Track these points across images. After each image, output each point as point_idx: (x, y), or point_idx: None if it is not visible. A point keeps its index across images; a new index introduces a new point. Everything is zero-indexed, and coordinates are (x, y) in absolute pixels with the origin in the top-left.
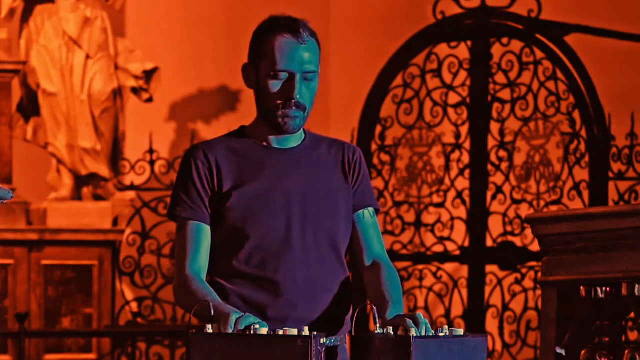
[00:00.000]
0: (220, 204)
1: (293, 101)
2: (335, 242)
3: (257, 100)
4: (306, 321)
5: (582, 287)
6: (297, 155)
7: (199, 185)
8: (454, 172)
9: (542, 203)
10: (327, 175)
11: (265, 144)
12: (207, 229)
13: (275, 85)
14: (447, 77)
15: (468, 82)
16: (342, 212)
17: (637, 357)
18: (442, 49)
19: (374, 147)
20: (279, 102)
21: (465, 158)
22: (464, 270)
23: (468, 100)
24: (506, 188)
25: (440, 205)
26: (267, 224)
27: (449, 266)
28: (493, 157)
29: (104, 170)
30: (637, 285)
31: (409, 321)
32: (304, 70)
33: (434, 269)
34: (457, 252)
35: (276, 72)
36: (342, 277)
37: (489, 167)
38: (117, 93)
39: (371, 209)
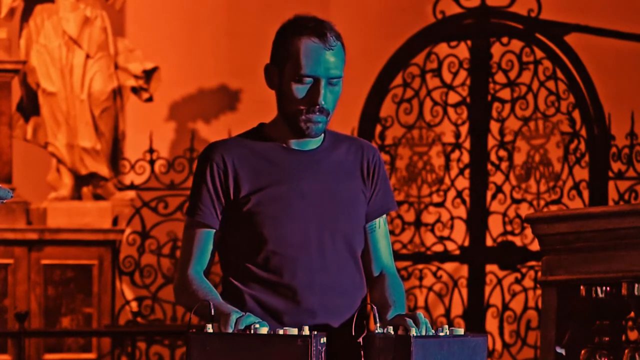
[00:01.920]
0: (238, 207)
1: (317, 107)
2: (353, 246)
3: (279, 102)
4: (323, 328)
5: (582, 287)
6: (316, 158)
7: (212, 188)
8: (453, 171)
9: (542, 202)
10: (345, 178)
11: (284, 145)
12: (213, 234)
13: (299, 90)
14: (447, 77)
15: (468, 82)
16: (360, 215)
17: (637, 356)
18: (442, 49)
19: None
20: (302, 107)
21: (465, 158)
22: (464, 270)
23: (468, 99)
24: (506, 188)
25: (440, 204)
26: (285, 228)
27: (449, 266)
28: (493, 157)
29: (103, 170)
30: (637, 285)
31: (409, 321)
32: (329, 75)
33: (433, 268)
34: (457, 252)
35: (301, 77)
36: (358, 281)
37: (489, 166)
38: (117, 92)
39: (384, 217)
